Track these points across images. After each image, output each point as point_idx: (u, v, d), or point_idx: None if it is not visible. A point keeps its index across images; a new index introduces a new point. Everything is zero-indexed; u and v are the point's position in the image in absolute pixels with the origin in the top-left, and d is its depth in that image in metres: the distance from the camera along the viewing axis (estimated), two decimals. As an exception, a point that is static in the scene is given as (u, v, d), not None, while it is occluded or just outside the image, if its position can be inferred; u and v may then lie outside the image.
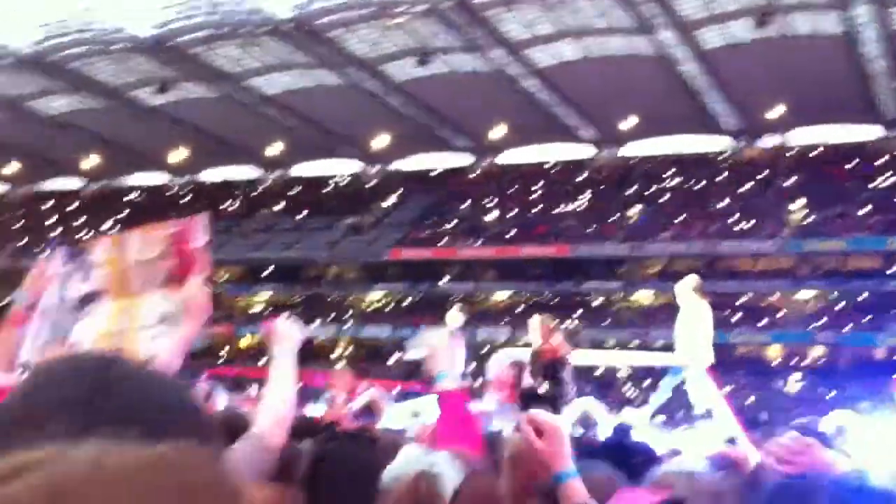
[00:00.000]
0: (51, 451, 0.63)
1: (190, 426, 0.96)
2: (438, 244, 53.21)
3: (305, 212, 60.06)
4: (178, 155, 58.71)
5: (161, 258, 3.12)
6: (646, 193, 52.66)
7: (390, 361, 48.79)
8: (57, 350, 3.18)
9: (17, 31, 46.42)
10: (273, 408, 2.80)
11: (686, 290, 11.02)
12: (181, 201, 63.33)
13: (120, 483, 0.60)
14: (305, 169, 64.00)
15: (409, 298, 54.23)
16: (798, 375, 45.33)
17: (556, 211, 53.37)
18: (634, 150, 56.06)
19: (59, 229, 60.07)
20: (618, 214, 51.49)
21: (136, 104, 53.58)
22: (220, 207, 61.97)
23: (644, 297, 49.99)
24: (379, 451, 2.93)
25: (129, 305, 3.15)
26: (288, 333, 3.13)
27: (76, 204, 65.75)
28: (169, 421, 0.93)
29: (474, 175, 59.16)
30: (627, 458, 3.74)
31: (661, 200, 51.87)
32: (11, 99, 53.07)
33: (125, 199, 65.28)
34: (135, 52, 47.34)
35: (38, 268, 3.43)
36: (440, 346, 3.13)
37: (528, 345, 10.54)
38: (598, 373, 42.21)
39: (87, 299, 3.29)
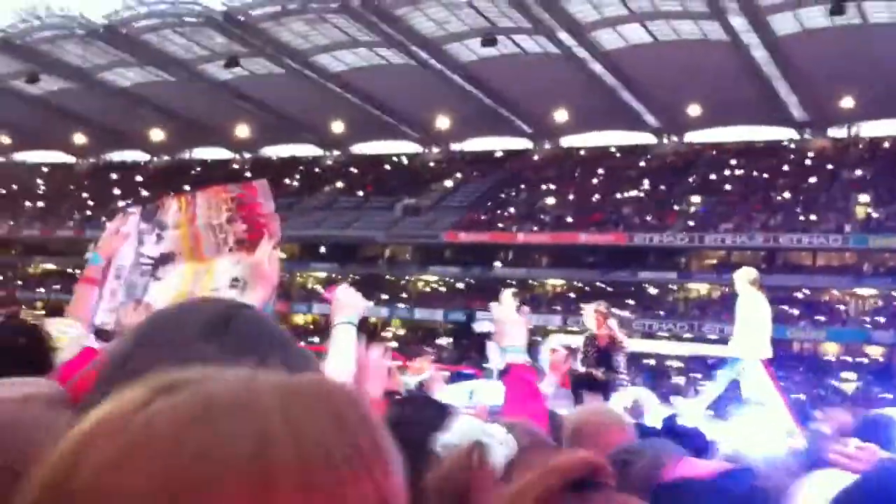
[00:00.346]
0: (206, 371, 0.66)
1: (304, 360, 1.13)
2: (495, 228, 53.15)
3: (364, 191, 60.45)
4: (241, 130, 59.47)
5: (229, 222, 3.21)
6: (708, 183, 51.98)
7: (442, 343, 49.06)
8: (131, 312, 3.24)
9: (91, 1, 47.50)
10: (334, 375, 2.75)
11: (742, 281, 10.97)
12: (243, 176, 64.08)
13: (272, 400, 0.62)
14: (366, 148, 64.41)
15: (463, 281, 54.35)
16: (853, 374, 44.57)
17: (616, 198, 52.96)
18: (698, 137, 55.39)
19: (124, 202, 61.28)
20: (678, 203, 50.93)
21: (204, 78, 54.32)
22: (282, 184, 62.69)
23: (700, 288, 49.49)
24: (438, 418, 2.97)
25: (201, 268, 3.24)
26: (350, 301, 3.14)
27: (141, 177, 66.94)
28: (288, 355, 1.07)
29: (534, 159, 59.00)
30: (680, 444, 3.77)
31: (722, 191, 51.18)
32: (82, 70, 54.19)
33: (189, 173, 66.34)
34: (206, 25, 47.98)
35: (112, 227, 3.49)
36: (511, 319, 3.10)
37: (580, 331, 10.61)
38: (649, 363, 41.97)
39: (162, 261, 3.37)
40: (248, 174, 64.26)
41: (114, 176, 67.93)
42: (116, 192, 63.81)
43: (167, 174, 65.19)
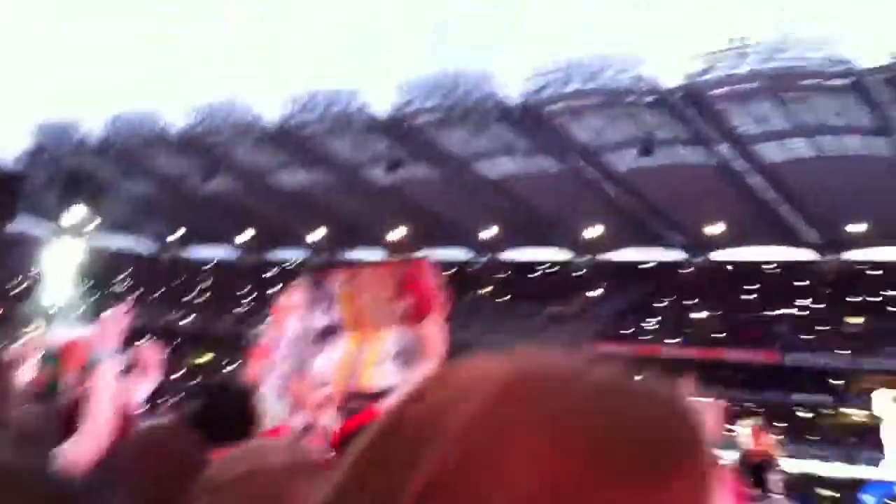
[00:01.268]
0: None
1: None
2: (639, 340, 52.54)
3: (509, 297, 60.93)
4: (396, 233, 61.30)
5: (396, 296, 3.27)
6: (869, 303, 50.23)
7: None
8: (295, 382, 3.30)
9: (265, 102, 50.72)
10: None
11: (884, 402, 10.68)
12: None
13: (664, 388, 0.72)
14: (516, 254, 65.21)
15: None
16: None
17: (769, 315, 51.71)
18: (861, 255, 53.81)
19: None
20: (836, 324, 49.29)
21: (365, 181, 56.55)
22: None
23: (857, 413, 47.25)
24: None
25: (365, 340, 3.33)
26: None
27: (297, 274, 69.38)
28: None
29: (685, 272, 58.40)
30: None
31: (885, 311, 49.31)
32: (253, 171, 57.41)
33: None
34: (371, 130, 50.28)
35: (282, 299, 3.57)
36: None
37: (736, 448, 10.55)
38: (798, 485, 40.16)
39: (328, 332, 3.45)
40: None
41: (272, 272, 70.71)
42: (274, 289, 66.10)
43: (323, 273, 67.21)
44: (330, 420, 3.10)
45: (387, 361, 3.19)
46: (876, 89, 37.80)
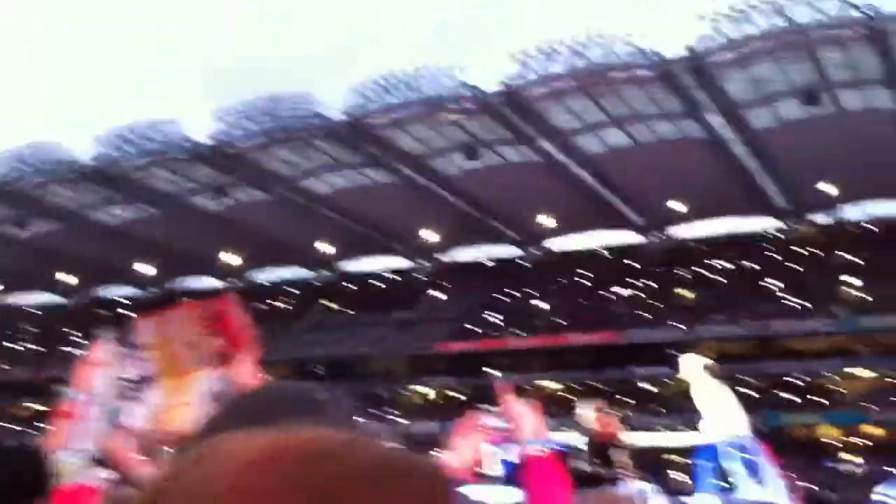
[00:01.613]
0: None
1: None
2: (487, 336, 53.42)
3: (355, 308, 60.74)
4: (230, 258, 59.88)
5: (205, 336, 3.19)
6: (696, 277, 52.80)
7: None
8: (115, 436, 3.20)
9: (78, 142, 48.39)
10: None
11: (691, 367, 11.24)
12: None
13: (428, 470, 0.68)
14: (356, 266, 64.98)
15: (459, 391, 54.24)
16: (855, 457, 44.57)
17: (606, 297, 53.57)
18: (684, 232, 56.44)
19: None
20: (668, 299, 51.58)
21: (191, 210, 54.94)
22: (272, 308, 62.87)
23: (697, 381, 49.67)
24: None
25: (180, 383, 3.22)
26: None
27: (131, 312, 66.81)
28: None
29: (523, 265, 59.72)
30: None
31: (712, 282, 51.95)
32: (72, 210, 54.76)
33: (180, 303, 66.26)
34: (193, 160, 48.88)
35: (84, 358, 3.35)
36: (519, 412, 3.00)
37: (578, 432, 10.85)
38: (647, 458, 41.73)
39: (142, 382, 3.32)
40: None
41: (103, 312, 67.76)
42: (108, 328, 63.28)
43: (157, 306, 65.00)
44: (148, 473, 2.97)
45: (198, 403, 3.05)
46: (681, 76, 39.55)
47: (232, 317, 3.16)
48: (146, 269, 62.57)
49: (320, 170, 50.49)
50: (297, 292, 65.16)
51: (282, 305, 63.47)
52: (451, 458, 2.99)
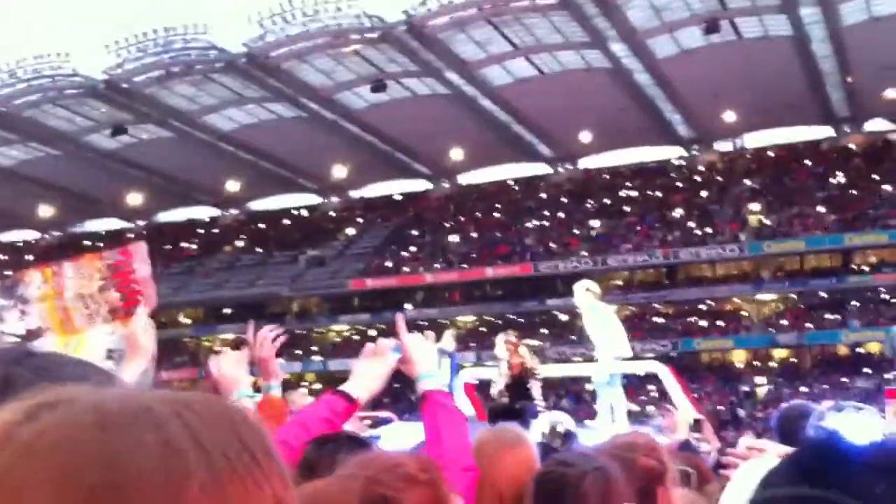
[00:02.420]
0: (87, 387, 0.65)
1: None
2: (401, 271, 53.11)
3: (266, 247, 59.74)
4: (134, 198, 58.22)
5: (101, 291, 3.04)
6: (605, 207, 53.07)
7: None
8: None
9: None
10: None
11: (581, 294, 11.16)
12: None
13: (167, 410, 0.63)
14: (264, 204, 63.83)
15: (375, 328, 54.02)
16: (764, 379, 45.79)
17: (518, 229, 53.57)
18: (592, 163, 56.67)
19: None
20: (579, 229, 51.80)
21: (91, 149, 53.11)
22: (180, 248, 61.58)
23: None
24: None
25: (72, 340, 3.07)
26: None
27: (32, 255, 64.78)
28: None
29: (434, 199, 59.34)
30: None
31: (620, 213, 52.29)
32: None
33: (82, 246, 64.54)
34: (87, 96, 47.08)
35: None
36: (419, 345, 2.95)
37: (495, 365, 10.61)
38: (570, 388, 42.35)
39: (28, 337, 3.17)
40: (142, 242, 62.98)
41: (3, 257, 65.55)
42: (7, 273, 61.46)
43: (60, 250, 63.28)
44: None
45: (97, 363, 2.60)
46: (584, 5, 39.16)
47: (131, 269, 3.01)
48: (47, 210, 60.46)
49: (222, 105, 49.17)
50: (205, 232, 63.77)
51: (189, 246, 62.10)
52: (356, 386, 2.89)
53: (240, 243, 61.03)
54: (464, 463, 2.66)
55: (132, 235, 64.48)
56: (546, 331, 48.83)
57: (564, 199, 54.85)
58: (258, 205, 63.93)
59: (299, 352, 53.36)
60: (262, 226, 62.26)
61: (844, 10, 39.32)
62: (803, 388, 42.10)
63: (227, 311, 56.59)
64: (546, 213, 54.12)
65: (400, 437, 9.09)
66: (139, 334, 2.78)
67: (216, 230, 63.68)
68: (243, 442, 0.63)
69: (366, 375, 2.96)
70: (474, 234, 54.53)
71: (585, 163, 56.76)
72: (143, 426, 0.60)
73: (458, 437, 2.72)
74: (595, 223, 51.98)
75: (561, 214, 53.60)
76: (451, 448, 2.65)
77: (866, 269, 45.34)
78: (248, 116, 50.48)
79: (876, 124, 51.01)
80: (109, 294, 3.03)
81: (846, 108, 48.66)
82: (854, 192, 47.39)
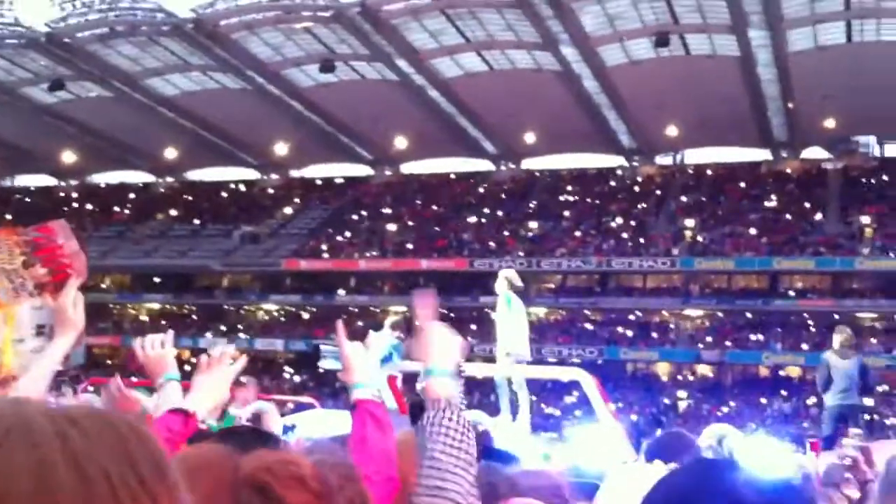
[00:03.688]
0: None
1: None
2: (336, 255, 52.67)
3: (200, 219, 58.76)
4: (68, 156, 56.83)
5: (25, 266, 2.94)
6: (544, 209, 53.22)
7: (284, 374, 48.21)
8: None
9: None
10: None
11: (503, 281, 11.06)
12: (71, 205, 61.37)
13: (47, 427, 0.61)
14: (202, 175, 62.81)
15: (305, 310, 53.57)
16: (685, 393, 46.36)
17: (456, 224, 53.47)
18: (535, 164, 56.87)
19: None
20: (516, 229, 51.89)
21: (27, 102, 51.71)
22: (111, 212, 60.32)
23: (539, 311, 50.32)
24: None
25: None
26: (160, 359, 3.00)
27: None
28: None
29: (375, 186, 58.97)
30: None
31: (558, 216, 52.49)
32: None
33: (10, 201, 62.90)
34: (28, 47, 45.81)
35: None
36: (357, 353, 2.88)
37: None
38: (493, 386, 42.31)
39: None
40: (74, 202, 61.60)
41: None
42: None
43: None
44: None
45: (28, 339, 2.87)
46: (539, 5, 39.19)
47: (57, 245, 2.93)
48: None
49: (166, 70, 48.24)
50: (138, 198, 62.52)
51: (122, 210, 60.84)
52: (194, 400, 2.84)
53: (173, 212, 59.95)
54: (387, 473, 2.63)
55: (63, 194, 63.14)
56: (475, 327, 48.79)
57: (504, 198, 54.92)
58: (195, 175, 62.97)
59: (224, 328, 52.68)
60: (197, 197, 61.23)
61: (791, 37, 39.99)
62: (722, 406, 42.78)
63: (156, 280, 55.62)
64: (485, 209, 54.11)
65: (317, 425, 8.88)
66: (69, 308, 2.74)
67: (150, 196, 62.48)
68: (131, 461, 0.61)
69: (204, 388, 2.88)
70: (412, 224, 54.29)
71: (528, 163, 56.94)
72: (21, 445, 0.58)
73: (383, 447, 2.70)
74: (533, 224, 52.12)
75: (500, 212, 53.64)
76: (375, 458, 2.64)
77: (792, 293, 46.16)
78: (192, 84, 49.64)
79: (813, 152, 52.00)
80: (36, 269, 2.93)
81: (785, 133, 49.52)
82: (787, 216, 48.21)
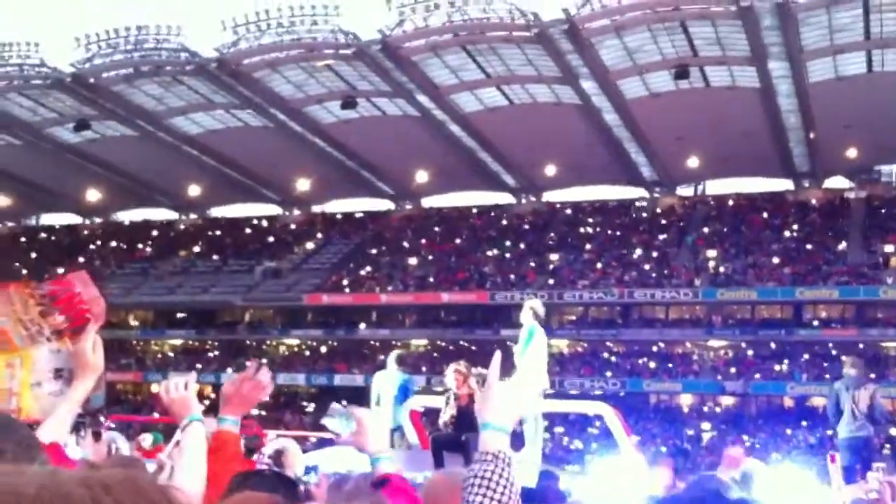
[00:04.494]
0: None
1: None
2: (358, 289, 52.81)
3: (222, 255, 59.12)
4: (92, 195, 57.49)
5: (43, 315, 2.99)
6: (565, 241, 53.22)
7: (307, 409, 48.25)
8: None
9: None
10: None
11: (528, 312, 11.10)
12: (95, 242, 62.00)
13: (82, 494, 0.61)
14: (225, 211, 63.32)
15: (326, 344, 53.65)
16: (708, 424, 45.99)
17: (477, 257, 53.54)
18: (556, 197, 56.97)
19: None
20: (538, 262, 51.86)
21: (52, 141, 52.42)
22: (134, 249, 60.84)
23: (560, 343, 50.17)
24: (287, 496, 2.78)
25: (14, 359, 3.01)
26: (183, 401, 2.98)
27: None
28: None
29: (396, 220, 59.22)
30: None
31: (580, 248, 52.46)
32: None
33: (36, 239, 63.64)
34: (53, 88, 46.52)
35: None
36: (369, 422, 2.84)
37: (444, 391, 10.48)
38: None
39: None
40: (99, 239, 62.21)
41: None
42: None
43: (13, 240, 62.31)
44: None
45: (45, 382, 2.91)
46: (558, 40, 39.50)
47: (74, 294, 2.94)
48: (3, 200, 59.48)
49: (189, 108, 48.81)
50: (162, 235, 63.03)
51: (145, 248, 61.36)
52: None
53: (196, 248, 60.39)
54: None
55: (87, 232, 63.76)
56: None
57: (525, 230, 54.99)
58: (218, 211, 63.46)
59: (248, 363, 52.68)
60: (219, 233, 61.69)
61: (811, 68, 40.05)
62: (746, 437, 42.36)
63: (179, 315, 55.91)
64: (506, 242, 54.18)
65: (338, 462, 8.89)
66: (88, 352, 2.76)
67: (173, 233, 63.00)
68: None
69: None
70: (432, 258, 54.41)
71: (549, 196, 57.04)
72: None
73: None
74: (554, 257, 52.11)
75: (521, 245, 53.70)
76: None
77: (815, 323, 45.85)
78: (215, 122, 50.16)
79: (835, 181, 51.83)
80: (54, 318, 2.97)
81: (807, 163, 49.43)
82: (809, 246, 48.00)
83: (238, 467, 2.89)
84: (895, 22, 37.07)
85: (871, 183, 50.62)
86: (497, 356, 2.57)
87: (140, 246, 61.36)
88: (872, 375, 28.23)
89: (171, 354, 55.42)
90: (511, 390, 2.47)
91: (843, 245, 47.57)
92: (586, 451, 36.54)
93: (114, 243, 61.54)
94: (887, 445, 38.73)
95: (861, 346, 43.10)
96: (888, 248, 45.75)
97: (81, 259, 59.18)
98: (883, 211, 48.89)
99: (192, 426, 2.89)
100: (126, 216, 65.38)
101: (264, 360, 3.21)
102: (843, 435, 10.94)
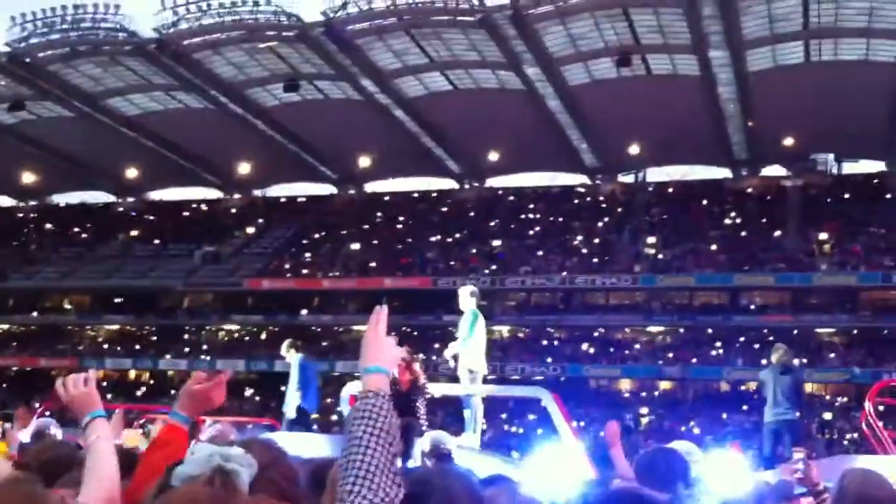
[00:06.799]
0: None
1: None
2: (299, 274, 52.41)
3: (162, 239, 58.18)
4: (28, 177, 56.16)
5: None
6: (507, 227, 53.39)
7: (246, 395, 47.87)
8: None
9: None
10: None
11: (467, 297, 11.20)
12: (30, 225, 60.64)
13: None
14: (164, 195, 62.34)
15: (267, 330, 53.18)
16: (647, 409, 46.62)
17: (420, 242, 53.47)
18: (499, 183, 57.13)
19: None
20: (480, 248, 51.96)
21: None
22: (71, 232, 59.64)
23: (503, 329, 50.42)
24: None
25: None
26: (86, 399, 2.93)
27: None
28: None
29: (338, 205, 58.85)
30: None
31: (522, 234, 52.67)
32: None
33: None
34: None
35: None
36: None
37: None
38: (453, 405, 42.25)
39: None
40: (33, 223, 60.90)
41: None
42: None
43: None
44: None
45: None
46: (503, 26, 39.53)
47: None
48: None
49: (128, 89, 47.94)
50: (99, 218, 61.80)
51: (82, 231, 60.15)
52: None
53: (134, 232, 59.34)
54: None
55: (21, 215, 62.38)
56: (439, 346, 48.66)
57: (468, 216, 55.03)
58: (157, 195, 62.47)
59: (187, 349, 52.19)
60: (159, 216, 60.68)
61: (751, 57, 40.62)
62: (684, 421, 43.04)
63: (116, 300, 54.96)
64: (449, 228, 54.19)
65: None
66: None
67: (111, 217, 61.82)
68: None
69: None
70: (375, 243, 54.19)
71: (492, 182, 57.19)
72: None
73: None
74: (496, 242, 52.26)
75: (464, 231, 53.75)
76: None
77: (752, 308, 46.69)
78: (154, 103, 49.38)
79: (772, 170, 52.76)
80: None
81: (745, 151, 50.21)
82: (746, 233, 48.81)
83: None
84: (833, 12, 37.79)
85: (808, 171, 51.56)
86: (379, 309, 2.58)
87: (77, 229, 60.11)
88: (796, 361, 28.93)
89: (108, 340, 54.50)
90: (383, 335, 2.51)
91: (778, 233, 48.44)
92: (527, 436, 36.78)
93: (50, 226, 60.24)
94: (825, 431, 39.82)
95: (795, 331, 44.00)
96: (822, 236, 46.72)
97: (15, 243, 57.92)
98: (819, 199, 49.86)
99: (94, 423, 2.85)
100: (63, 199, 63.98)
101: (229, 371, 3.15)
102: (768, 419, 11.25)
